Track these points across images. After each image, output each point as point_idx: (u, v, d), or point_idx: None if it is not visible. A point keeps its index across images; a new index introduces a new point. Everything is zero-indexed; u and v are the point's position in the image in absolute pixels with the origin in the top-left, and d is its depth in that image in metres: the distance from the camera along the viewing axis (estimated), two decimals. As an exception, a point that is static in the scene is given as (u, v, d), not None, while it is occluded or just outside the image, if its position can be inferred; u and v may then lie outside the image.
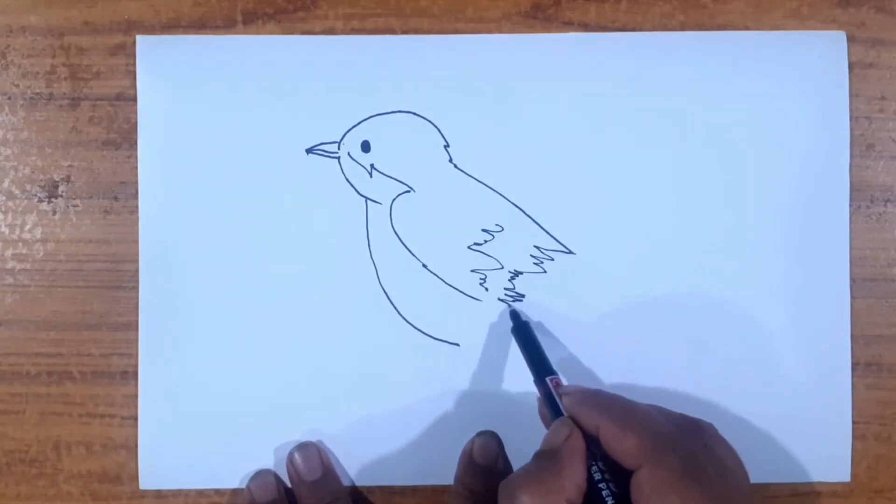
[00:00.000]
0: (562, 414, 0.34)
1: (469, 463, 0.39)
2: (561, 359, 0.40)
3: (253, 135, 0.41)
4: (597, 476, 0.31)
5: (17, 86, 0.41)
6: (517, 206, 0.41)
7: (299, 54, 0.41)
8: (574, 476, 0.31)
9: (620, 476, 0.31)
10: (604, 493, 0.31)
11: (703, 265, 0.40)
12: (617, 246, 0.40)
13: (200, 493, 0.41)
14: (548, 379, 0.36)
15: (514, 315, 0.40)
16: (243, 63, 0.41)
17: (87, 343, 0.41)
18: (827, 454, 0.41)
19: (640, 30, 0.41)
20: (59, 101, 0.41)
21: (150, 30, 0.41)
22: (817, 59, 0.40)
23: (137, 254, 0.41)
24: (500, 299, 0.41)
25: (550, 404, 0.35)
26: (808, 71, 0.40)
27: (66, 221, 0.41)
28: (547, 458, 0.32)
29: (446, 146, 0.41)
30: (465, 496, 0.38)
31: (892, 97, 0.41)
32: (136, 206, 0.41)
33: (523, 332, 0.39)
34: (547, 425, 0.35)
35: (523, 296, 0.41)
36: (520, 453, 0.41)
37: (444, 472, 0.41)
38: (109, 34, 0.41)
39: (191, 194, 0.41)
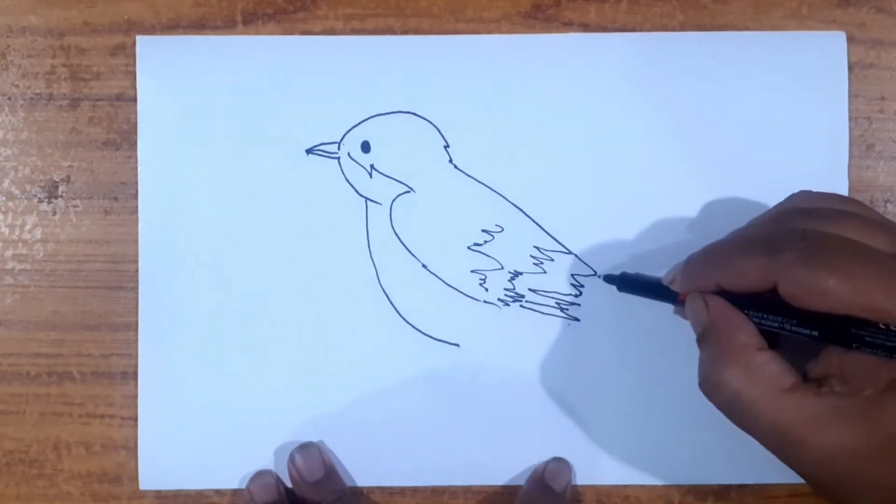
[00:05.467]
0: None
1: (539, 482, 0.40)
2: (561, 358, 0.40)
3: (253, 135, 0.41)
4: (754, 319, 0.31)
5: (17, 86, 0.41)
6: (517, 207, 0.41)
7: (299, 54, 0.41)
8: (741, 328, 0.31)
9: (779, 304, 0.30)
10: (768, 322, 0.31)
11: (703, 265, 0.40)
12: (617, 246, 0.40)
13: (200, 494, 0.41)
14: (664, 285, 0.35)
15: (609, 278, 0.38)
16: (243, 63, 0.41)
17: (87, 343, 0.41)
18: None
19: (640, 30, 0.41)
20: (59, 101, 0.41)
21: (150, 30, 0.41)
22: (817, 59, 0.40)
23: (137, 254, 0.41)
24: (499, 299, 0.41)
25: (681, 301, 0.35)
26: (808, 71, 0.40)
27: (66, 222, 0.41)
28: (706, 335, 0.32)
29: (446, 146, 0.41)
30: None
31: (892, 97, 0.41)
32: (136, 207, 0.41)
33: (627, 282, 0.38)
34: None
35: (523, 296, 0.41)
36: (521, 454, 0.41)
37: (444, 472, 0.41)
38: (109, 34, 0.41)
39: (191, 194, 0.41)
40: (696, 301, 0.33)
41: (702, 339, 0.32)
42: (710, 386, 0.31)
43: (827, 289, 0.28)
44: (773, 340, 0.31)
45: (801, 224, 0.31)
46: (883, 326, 0.28)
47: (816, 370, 0.30)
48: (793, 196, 0.35)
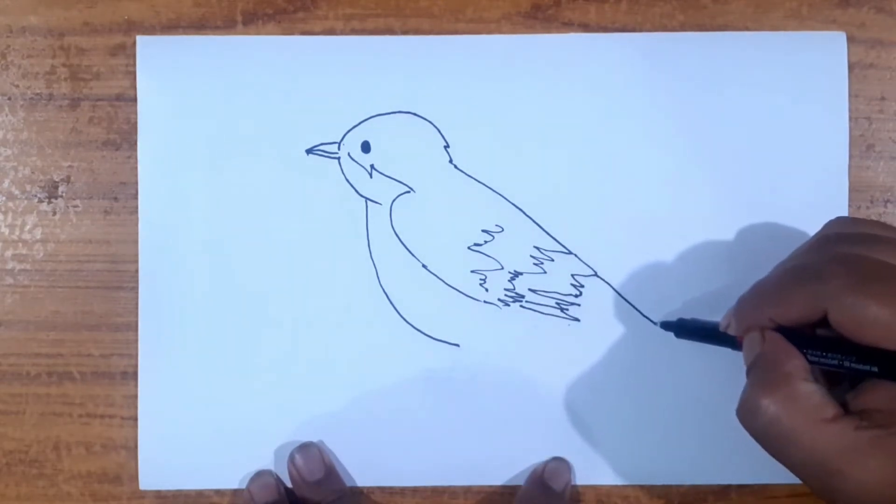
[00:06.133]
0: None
1: (538, 481, 0.40)
2: (561, 359, 0.40)
3: (253, 135, 0.41)
4: (812, 358, 0.31)
5: (17, 86, 0.41)
6: (517, 207, 0.41)
7: (299, 54, 0.41)
8: (791, 360, 0.31)
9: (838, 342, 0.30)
10: (827, 360, 0.31)
11: (702, 266, 0.40)
12: (616, 246, 0.40)
13: (200, 494, 0.41)
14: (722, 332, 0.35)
15: (666, 325, 0.39)
16: (243, 63, 0.41)
17: (87, 343, 0.41)
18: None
19: (640, 30, 0.41)
20: (59, 101, 0.41)
21: (150, 30, 0.41)
22: (817, 59, 0.40)
23: (137, 254, 0.41)
24: (499, 299, 0.41)
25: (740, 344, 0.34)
26: (808, 71, 0.40)
27: (66, 222, 0.41)
28: (755, 365, 0.32)
29: (446, 146, 0.41)
30: None
31: (892, 97, 0.41)
32: (136, 207, 0.41)
33: (685, 329, 0.38)
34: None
35: (523, 296, 0.41)
36: (521, 454, 0.41)
37: (444, 472, 0.41)
38: (109, 34, 0.41)
39: (191, 194, 0.41)
40: (754, 335, 0.33)
41: (751, 369, 0.32)
42: (748, 410, 0.31)
43: (877, 319, 0.28)
44: (831, 382, 0.31)
45: (842, 249, 0.31)
46: None
47: (859, 403, 0.30)
48: (830, 223, 0.35)
